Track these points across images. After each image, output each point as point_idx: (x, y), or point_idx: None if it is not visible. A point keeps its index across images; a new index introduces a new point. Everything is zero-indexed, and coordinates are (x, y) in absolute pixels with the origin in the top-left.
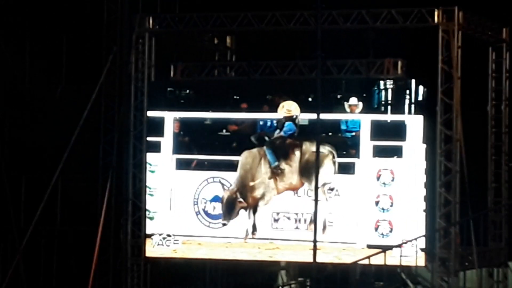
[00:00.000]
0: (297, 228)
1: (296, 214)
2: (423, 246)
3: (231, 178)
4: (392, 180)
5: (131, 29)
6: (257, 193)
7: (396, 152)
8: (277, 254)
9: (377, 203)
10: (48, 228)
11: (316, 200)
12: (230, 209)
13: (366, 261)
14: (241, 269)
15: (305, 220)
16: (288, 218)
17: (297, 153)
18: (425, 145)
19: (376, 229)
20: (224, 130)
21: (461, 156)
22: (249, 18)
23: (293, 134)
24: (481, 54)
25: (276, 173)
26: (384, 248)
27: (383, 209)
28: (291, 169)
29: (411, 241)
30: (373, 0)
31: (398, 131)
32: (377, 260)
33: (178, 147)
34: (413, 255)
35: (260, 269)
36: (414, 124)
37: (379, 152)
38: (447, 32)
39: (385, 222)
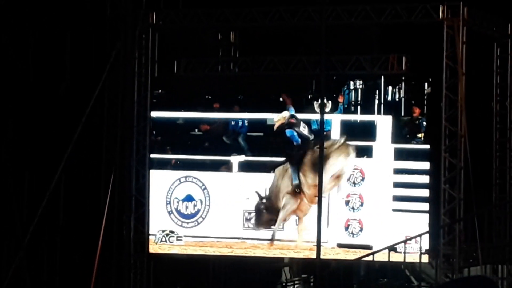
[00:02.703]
0: None
1: None
2: (427, 243)
3: (203, 177)
4: (362, 180)
5: (134, 24)
6: (280, 204)
7: (365, 151)
8: (249, 253)
9: (347, 202)
10: (51, 224)
11: (320, 198)
12: (257, 215)
13: (370, 258)
14: (244, 265)
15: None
16: None
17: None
18: (394, 145)
19: (346, 229)
20: (196, 130)
21: (466, 153)
22: (253, 14)
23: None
24: (486, 50)
25: (296, 191)
26: (389, 248)
27: (353, 208)
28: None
29: (415, 237)
30: None
31: (367, 131)
32: (381, 257)
33: (151, 147)
34: (417, 252)
35: (264, 266)
36: (383, 124)
37: None
38: (452, 27)
39: (355, 221)
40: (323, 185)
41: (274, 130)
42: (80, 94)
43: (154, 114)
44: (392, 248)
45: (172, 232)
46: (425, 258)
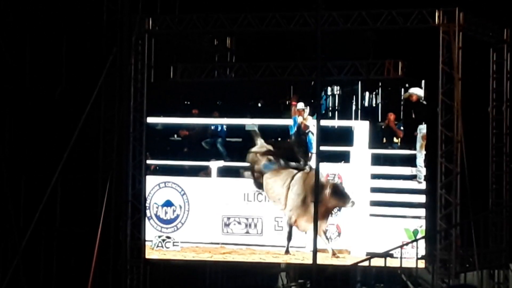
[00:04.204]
0: (247, 232)
1: (247, 218)
2: (424, 248)
3: (182, 183)
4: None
5: (131, 30)
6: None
7: (343, 157)
8: (227, 258)
9: None
10: (47, 229)
11: (316, 203)
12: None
13: (366, 263)
14: (241, 271)
15: (255, 225)
16: (239, 223)
17: None
18: (371, 150)
19: (324, 233)
20: (175, 136)
21: (462, 158)
22: (249, 19)
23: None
24: (482, 55)
25: None
26: (385, 255)
27: (331, 213)
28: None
29: (411, 242)
30: (374, 1)
31: (345, 136)
32: (378, 262)
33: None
34: (413, 257)
35: (260, 271)
36: (361, 129)
37: (327, 157)
38: (447, 33)
39: (333, 226)
40: None
41: (302, 130)
42: (77, 99)
43: (150, 120)
44: (388, 254)
45: (168, 237)
46: (422, 263)
